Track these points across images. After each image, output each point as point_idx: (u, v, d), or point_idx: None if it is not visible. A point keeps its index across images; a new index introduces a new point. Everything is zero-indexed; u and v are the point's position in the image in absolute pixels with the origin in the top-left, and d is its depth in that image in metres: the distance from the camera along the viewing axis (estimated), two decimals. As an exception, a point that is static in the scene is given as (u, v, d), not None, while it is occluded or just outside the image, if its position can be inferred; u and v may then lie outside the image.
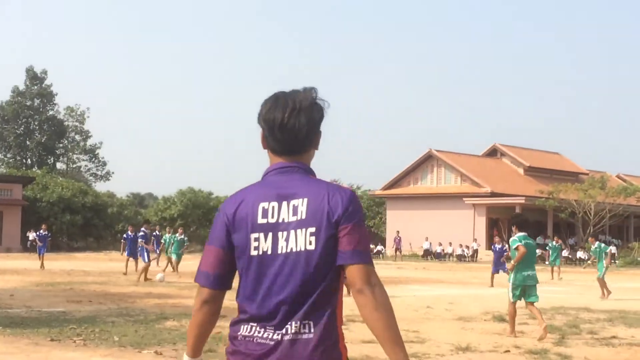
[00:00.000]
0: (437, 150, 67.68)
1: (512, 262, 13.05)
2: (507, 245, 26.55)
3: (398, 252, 56.11)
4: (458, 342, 11.76)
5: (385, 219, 71.39)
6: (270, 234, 2.96)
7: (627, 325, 15.02)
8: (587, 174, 69.89)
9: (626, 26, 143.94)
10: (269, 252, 2.96)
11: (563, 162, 74.52)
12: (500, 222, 63.37)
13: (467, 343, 11.63)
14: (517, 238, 12.96)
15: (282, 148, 3.08)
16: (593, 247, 24.03)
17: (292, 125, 3.03)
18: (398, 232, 57.39)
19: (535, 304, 12.96)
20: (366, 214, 78.45)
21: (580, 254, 56.10)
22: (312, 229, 2.92)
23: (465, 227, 61.63)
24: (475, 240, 60.16)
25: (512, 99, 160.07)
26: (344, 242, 2.90)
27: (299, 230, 2.93)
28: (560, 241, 36.15)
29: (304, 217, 2.93)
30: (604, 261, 22.94)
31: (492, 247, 28.60)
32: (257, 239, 2.97)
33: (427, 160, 68.42)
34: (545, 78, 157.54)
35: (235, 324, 3.04)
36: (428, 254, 59.90)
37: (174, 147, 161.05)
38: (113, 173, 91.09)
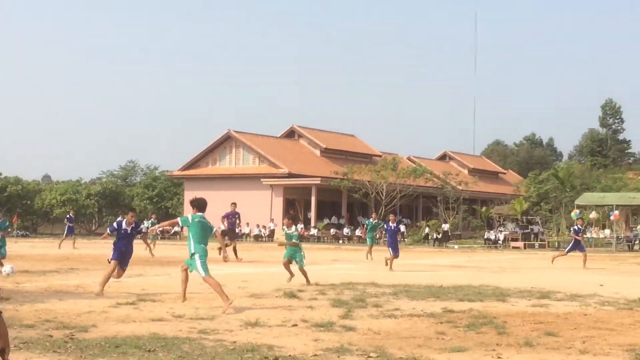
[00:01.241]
0: (236, 132, 67.90)
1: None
2: (401, 226, 26.66)
3: None
4: (247, 318, 11.91)
5: (183, 200, 70.90)
6: None
7: (410, 298, 15.72)
8: (380, 156, 72.38)
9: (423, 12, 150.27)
10: None
11: (357, 144, 76.81)
12: (297, 202, 64.56)
13: (256, 318, 11.80)
14: (192, 217, 13.81)
15: None
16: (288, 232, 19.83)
17: None
18: None
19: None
20: (164, 195, 77.59)
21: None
22: None
23: (263, 207, 62.32)
24: (272, 220, 60.94)
25: (309, 82, 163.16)
26: None
27: None
28: (376, 217, 34.71)
29: None
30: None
31: (387, 226, 27.13)
32: None
33: (226, 141, 68.53)
34: (341, 62, 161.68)
35: None
36: (225, 234, 59.94)
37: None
38: None
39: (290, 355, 8.79)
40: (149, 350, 8.93)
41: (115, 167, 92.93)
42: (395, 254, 25.69)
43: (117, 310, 12.88)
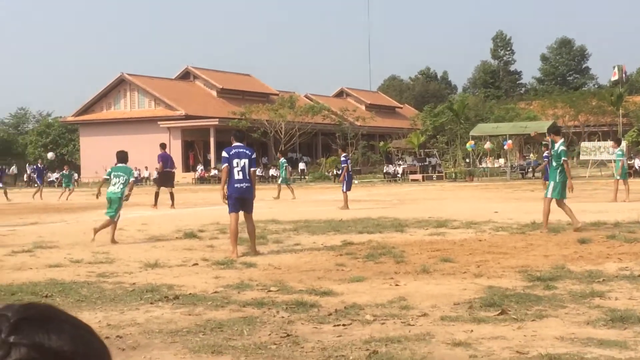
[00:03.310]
0: (130, 75, 66.56)
1: None
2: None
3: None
4: (147, 259, 11.81)
5: (79, 146, 69.49)
6: None
7: (310, 233, 15.85)
8: (277, 95, 72.08)
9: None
10: None
11: (254, 84, 76.28)
12: (196, 143, 64.03)
13: (156, 260, 11.71)
14: None
15: None
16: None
17: None
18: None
19: None
20: (59, 141, 75.81)
21: (272, 171, 58.13)
22: None
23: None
24: (171, 162, 60.29)
25: (204, 24, 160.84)
26: None
27: None
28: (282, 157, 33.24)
29: None
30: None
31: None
32: None
33: (120, 85, 67.22)
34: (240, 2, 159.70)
35: None
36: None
37: None
38: None
39: (190, 294, 8.77)
40: (46, 296, 8.78)
41: (5, 115, 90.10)
42: (346, 189, 24.38)
43: (13, 258, 12.57)
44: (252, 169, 12.70)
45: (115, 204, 15.12)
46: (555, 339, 6.34)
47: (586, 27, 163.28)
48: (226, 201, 12.73)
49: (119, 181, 15.27)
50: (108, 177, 15.63)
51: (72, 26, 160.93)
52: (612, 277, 9.29)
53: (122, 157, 15.82)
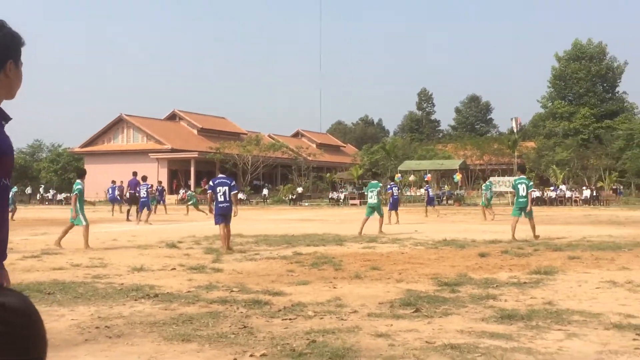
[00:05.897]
0: (127, 115, 65.98)
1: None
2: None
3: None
4: (134, 264, 11.64)
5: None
6: None
7: (268, 245, 15.77)
8: (246, 134, 71.96)
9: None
10: None
11: (228, 125, 76.06)
12: (179, 172, 63.49)
13: (141, 265, 11.55)
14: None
15: None
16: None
17: None
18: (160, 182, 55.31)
19: None
20: (67, 168, 74.59)
21: (240, 195, 57.76)
22: None
23: (151, 177, 60.74)
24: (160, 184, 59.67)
25: (189, 74, 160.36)
26: None
27: None
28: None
29: None
30: None
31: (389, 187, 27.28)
32: None
33: (119, 123, 66.58)
34: (214, 54, 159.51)
35: None
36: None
37: None
38: None
39: (168, 292, 8.66)
40: (49, 293, 8.59)
41: (24, 146, 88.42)
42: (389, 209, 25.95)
43: (23, 262, 12.29)
44: (232, 192, 14.46)
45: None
46: (457, 332, 6.37)
47: (490, 86, 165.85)
48: (212, 214, 14.67)
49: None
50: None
51: (79, 75, 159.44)
52: (503, 283, 9.39)
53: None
